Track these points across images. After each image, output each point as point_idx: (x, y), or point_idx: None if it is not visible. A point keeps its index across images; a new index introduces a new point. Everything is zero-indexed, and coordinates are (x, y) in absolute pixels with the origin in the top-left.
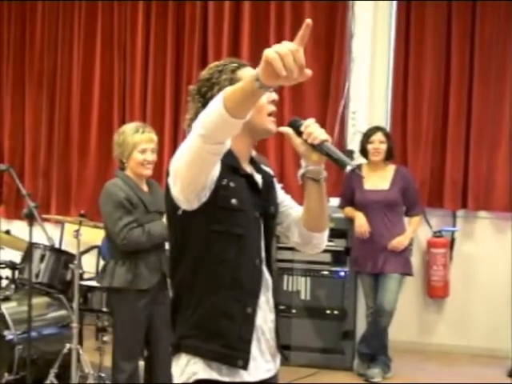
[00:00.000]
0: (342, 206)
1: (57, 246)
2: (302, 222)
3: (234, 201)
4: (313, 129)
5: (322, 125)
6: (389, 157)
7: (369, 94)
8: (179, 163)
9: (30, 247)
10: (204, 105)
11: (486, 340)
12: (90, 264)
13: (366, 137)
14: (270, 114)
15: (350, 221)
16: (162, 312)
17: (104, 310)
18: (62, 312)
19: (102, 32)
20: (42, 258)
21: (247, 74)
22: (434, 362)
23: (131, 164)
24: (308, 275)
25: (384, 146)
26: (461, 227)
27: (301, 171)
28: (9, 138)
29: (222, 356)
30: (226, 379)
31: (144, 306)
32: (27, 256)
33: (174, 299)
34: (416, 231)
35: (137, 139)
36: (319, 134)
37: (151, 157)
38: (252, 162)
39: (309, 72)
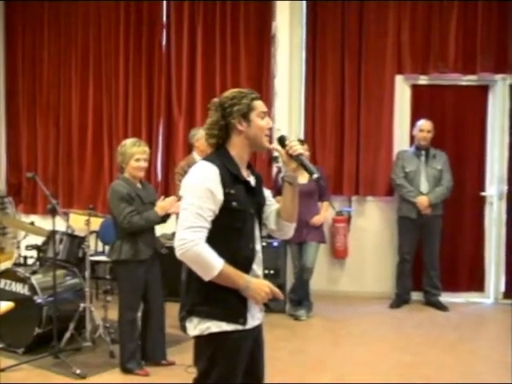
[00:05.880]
0: (274, 196)
1: (69, 231)
2: (279, 213)
3: (234, 203)
4: (294, 144)
5: None
6: None
7: (288, 117)
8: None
9: (54, 233)
10: (223, 116)
11: (374, 286)
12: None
13: (283, 140)
14: (266, 135)
15: None
16: (156, 276)
17: (107, 277)
18: (76, 280)
19: (94, 74)
20: (61, 241)
21: (260, 105)
22: (339, 303)
23: (129, 169)
24: None
25: None
26: (355, 208)
27: (281, 175)
28: (26, 154)
29: (228, 317)
30: (233, 328)
31: (143, 272)
32: (50, 240)
33: (189, 272)
34: (327, 212)
35: (134, 151)
36: (298, 149)
37: (143, 164)
38: (249, 166)
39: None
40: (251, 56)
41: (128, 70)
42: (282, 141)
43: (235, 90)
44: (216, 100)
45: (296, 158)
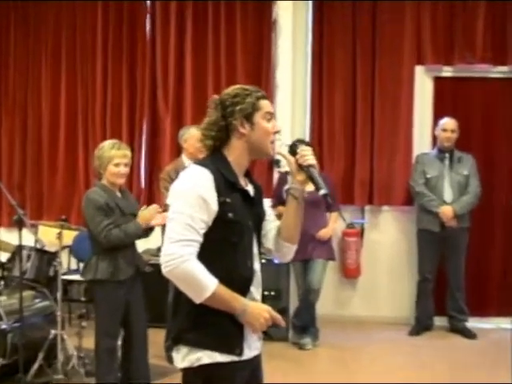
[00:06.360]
0: (274, 205)
1: (38, 246)
2: (279, 231)
3: (230, 214)
4: (306, 153)
5: None
6: None
7: (291, 115)
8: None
9: (20, 248)
10: (223, 116)
11: (390, 310)
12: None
13: (295, 147)
14: (271, 142)
15: (281, 217)
16: (138, 298)
17: (82, 299)
18: (46, 303)
19: (66, 67)
20: (28, 257)
21: (266, 105)
22: (350, 329)
23: (107, 175)
24: None
25: None
26: (368, 219)
27: (286, 186)
28: None
29: (221, 346)
30: (228, 359)
31: (123, 294)
32: (16, 256)
33: (177, 293)
34: (336, 223)
35: (112, 154)
36: (310, 159)
37: (124, 170)
38: (247, 174)
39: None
40: (249, 43)
41: (107, 64)
42: (293, 148)
43: (238, 86)
44: (216, 97)
45: (305, 169)
